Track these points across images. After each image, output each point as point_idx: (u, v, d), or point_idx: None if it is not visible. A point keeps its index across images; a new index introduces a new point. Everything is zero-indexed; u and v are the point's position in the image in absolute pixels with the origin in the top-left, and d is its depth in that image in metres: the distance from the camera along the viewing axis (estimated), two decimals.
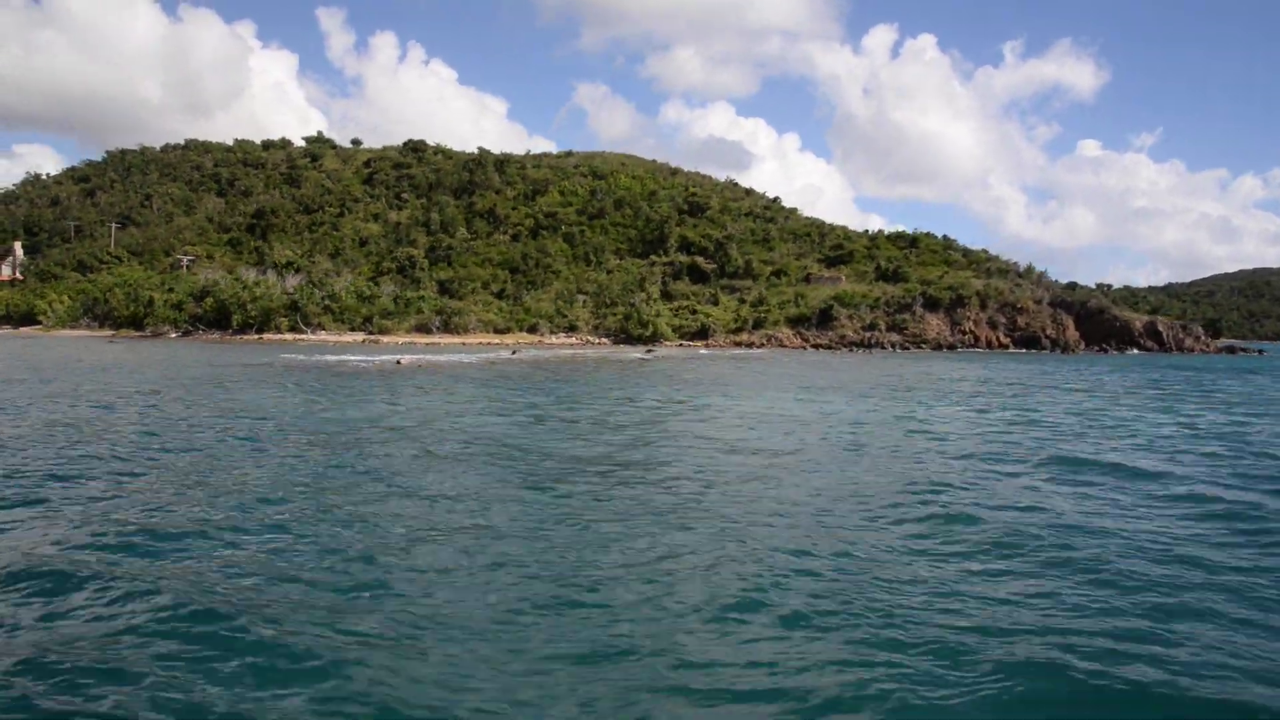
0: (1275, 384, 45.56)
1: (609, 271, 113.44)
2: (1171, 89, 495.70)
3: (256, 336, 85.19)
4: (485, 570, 8.99)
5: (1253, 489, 14.32)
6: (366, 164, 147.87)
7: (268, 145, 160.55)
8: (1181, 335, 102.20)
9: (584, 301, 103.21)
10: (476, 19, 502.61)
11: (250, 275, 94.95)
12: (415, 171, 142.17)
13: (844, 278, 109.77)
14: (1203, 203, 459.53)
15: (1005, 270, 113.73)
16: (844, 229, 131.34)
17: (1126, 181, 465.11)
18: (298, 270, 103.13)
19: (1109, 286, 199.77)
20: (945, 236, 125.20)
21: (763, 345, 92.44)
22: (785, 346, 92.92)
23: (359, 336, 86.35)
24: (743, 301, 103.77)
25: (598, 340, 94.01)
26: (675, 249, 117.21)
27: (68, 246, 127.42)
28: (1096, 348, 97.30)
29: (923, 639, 7.27)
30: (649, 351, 76.84)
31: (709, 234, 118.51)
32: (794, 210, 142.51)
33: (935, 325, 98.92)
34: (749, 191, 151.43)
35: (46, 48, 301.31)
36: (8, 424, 19.37)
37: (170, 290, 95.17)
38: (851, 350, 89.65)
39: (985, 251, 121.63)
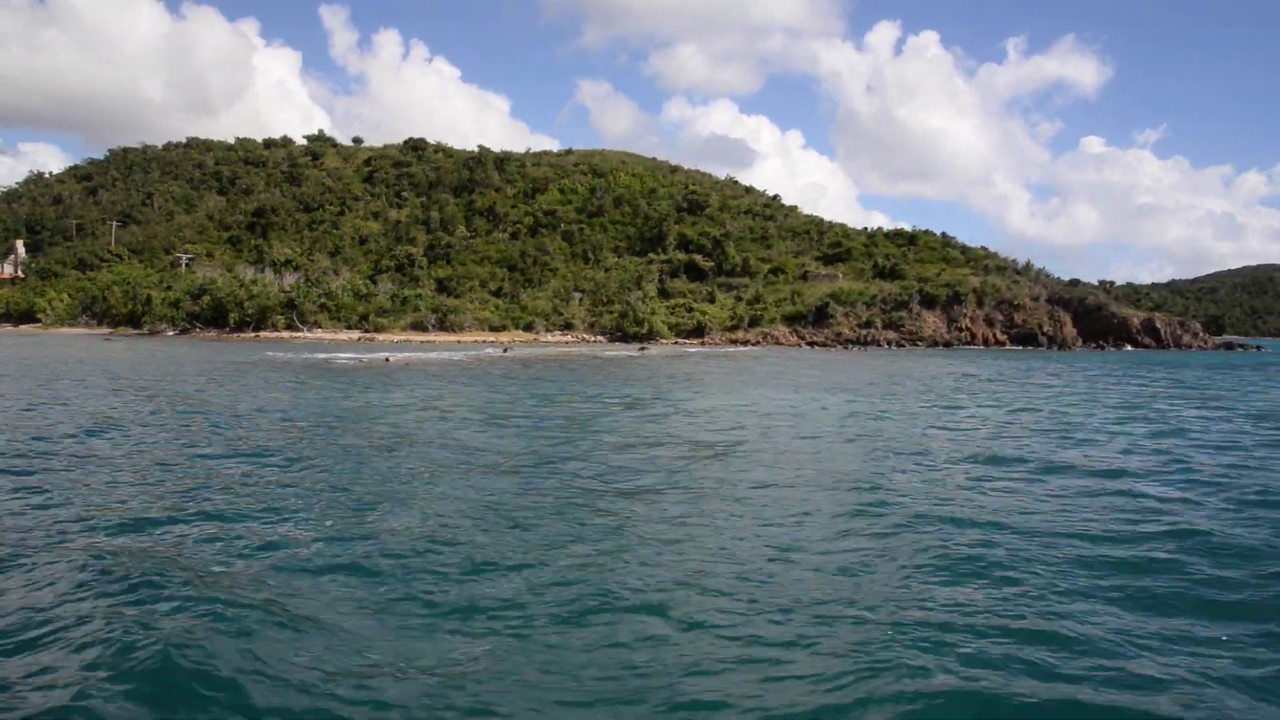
0: (1237, 379, 45.45)
1: (607, 270, 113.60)
2: (1175, 85, 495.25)
3: (253, 334, 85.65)
4: (369, 564, 9.14)
5: (1157, 481, 14.48)
6: (367, 162, 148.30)
7: (269, 144, 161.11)
8: (1179, 332, 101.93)
9: (580, 299, 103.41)
10: (479, 17, 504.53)
11: (248, 274, 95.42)
12: (415, 170, 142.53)
13: (841, 275, 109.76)
14: (1207, 199, 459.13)
15: (1003, 267, 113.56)
16: (842, 226, 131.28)
17: (1130, 178, 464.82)
18: (296, 268, 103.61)
19: (1111, 283, 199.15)
20: (944, 234, 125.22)
21: (758, 343, 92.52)
22: (781, 344, 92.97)
23: (354, 335, 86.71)
24: (739, 299, 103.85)
25: (593, 338, 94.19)
26: (674, 247, 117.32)
27: (69, 245, 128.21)
28: (1094, 345, 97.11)
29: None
30: (641, 349, 76.99)
31: (707, 232, 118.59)
32: (794, 208, 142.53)
33: (932, 322, 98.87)
34: (749, 189, 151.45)
35: (50, 47, 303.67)
36: None
37: (168, 288, 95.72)
38: (846, 348, 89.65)
39: (984, 249, 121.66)
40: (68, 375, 33.98)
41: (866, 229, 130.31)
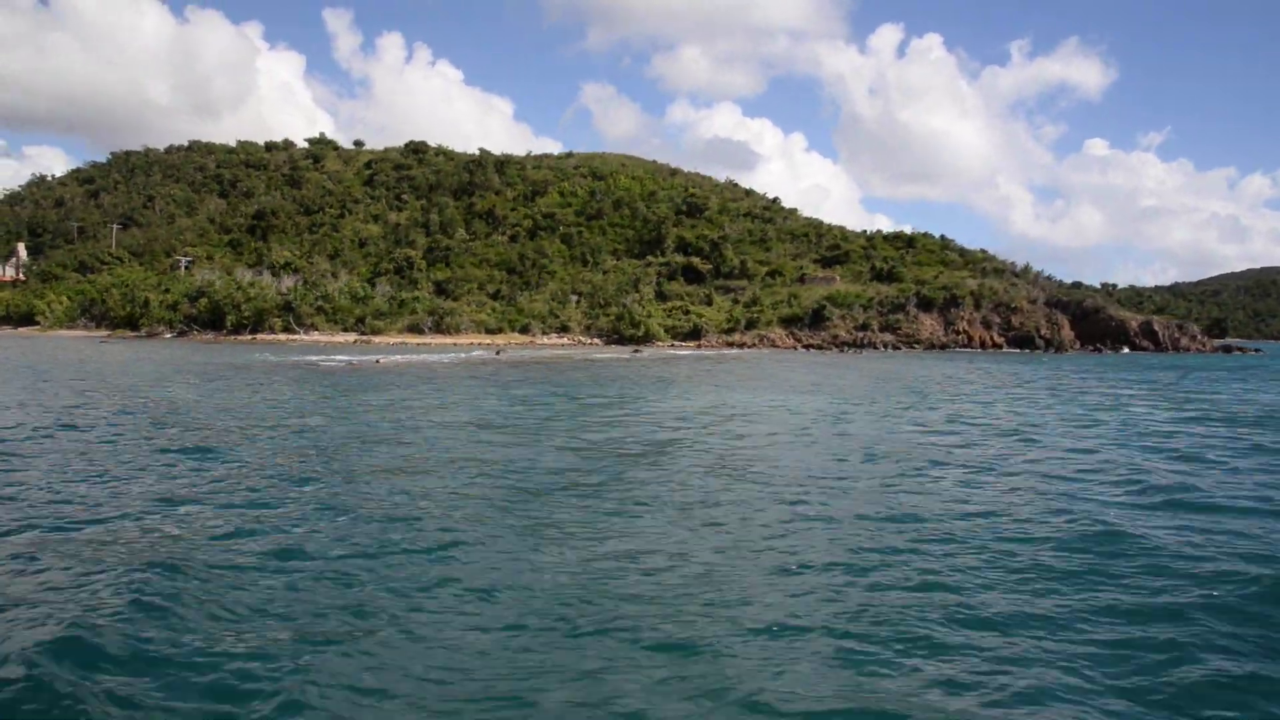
0: (1211, 383, 45.37)
1: (605, 272, 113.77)
2: (1179, 87, 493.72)
3: (250, 337, 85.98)
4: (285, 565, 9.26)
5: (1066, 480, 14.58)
6: (368, 165, 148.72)
7: (270, 146, 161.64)
8: (1177, 335, 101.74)
9: (577, 302, 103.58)
10: (483, 20, 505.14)
11: (245, 276, 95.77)
12: (416, 173, 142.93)
13: (838, 278, 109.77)
14: (1211, 202, 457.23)
15: (1001, 270, 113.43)
16: (841, 229, 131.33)
17: (1134, 181, 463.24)
18: (295, 271, 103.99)
19: (1114, 286, 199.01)
20: (943, 236, 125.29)
21: (754, 345, 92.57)
22: (778, 347, 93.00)
23: (351, 337, 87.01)
24: (736, 302, 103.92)
25: (589, 341, 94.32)
26: (672, 249, 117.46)
27: (70, 247, 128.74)
28: (1091, 347, 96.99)
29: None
30: (635, 352, 77.12)
31: (706, 235, 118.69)
32: (793, 210, 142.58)
33: (929, 325, 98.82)
34: (749, 192, 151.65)
35: (55, 50, 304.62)
36: None
37: (166, 291, 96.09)
38: (841, 350, 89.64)
39: (983, 251, 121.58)
40: (49, 377, 34.18)
41: (865, 232, 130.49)
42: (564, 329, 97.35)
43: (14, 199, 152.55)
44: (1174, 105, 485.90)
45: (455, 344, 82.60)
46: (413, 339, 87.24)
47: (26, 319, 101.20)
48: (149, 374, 37.39)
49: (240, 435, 18.77)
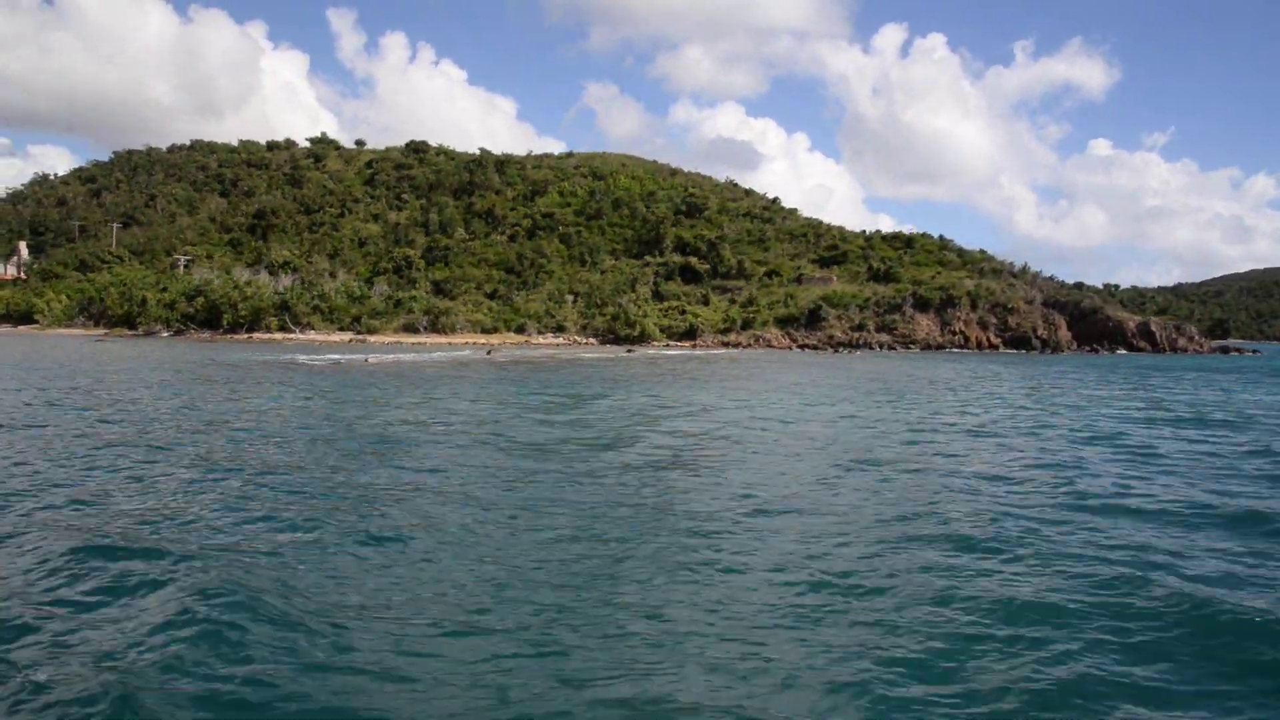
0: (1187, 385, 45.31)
1: (603, 272, 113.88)
2: (1183, 88, 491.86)
3: (246, 336, 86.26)
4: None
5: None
6: (369, 165, 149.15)
7: (272, 146, 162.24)
8: (1175, 336, 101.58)
9: (573, 302, 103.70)
10: (486, 19, 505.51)
11: (243, 275, 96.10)
12: (416, 172, 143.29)
13: (835, 278, 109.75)
14: (1215, 202, 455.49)
15: (999, 270, 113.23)
16: (840, 229, 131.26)
17: (1138, 181, 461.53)
18: (294, 270, 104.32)
19: (1116, 287, 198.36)
20: (941, 237, 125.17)
21: (749, 346, 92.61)
22: (773, 347, 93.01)
23: (346, 336, 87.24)
24: (733, 302, 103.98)
25: (585, 340, 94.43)
26: (670, 249, 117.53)
27: (71, 246, 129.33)
28: (1087, 348, 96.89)
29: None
30: (628, 351, 77.25)
31: (704, 234, 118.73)
32: (793, 211, 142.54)
33: (925, 326, 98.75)
34: (748, 192, 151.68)
35: (59, 49, 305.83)
36: None
37: (164, 290, 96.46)
38: (836, 351, 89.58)
39: (982, 251, 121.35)
40: (14, 376, 34.43)
41: (864, 232, 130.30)
42: (560, 329, 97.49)
43: (17, 198, 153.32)
44: (1178, 105, 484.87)
45: (450, 343, 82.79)
46: (408, 338, 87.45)
47: (26, 318, 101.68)
48: (122, 371, 37.59)
49: (191, 431, 18.92)
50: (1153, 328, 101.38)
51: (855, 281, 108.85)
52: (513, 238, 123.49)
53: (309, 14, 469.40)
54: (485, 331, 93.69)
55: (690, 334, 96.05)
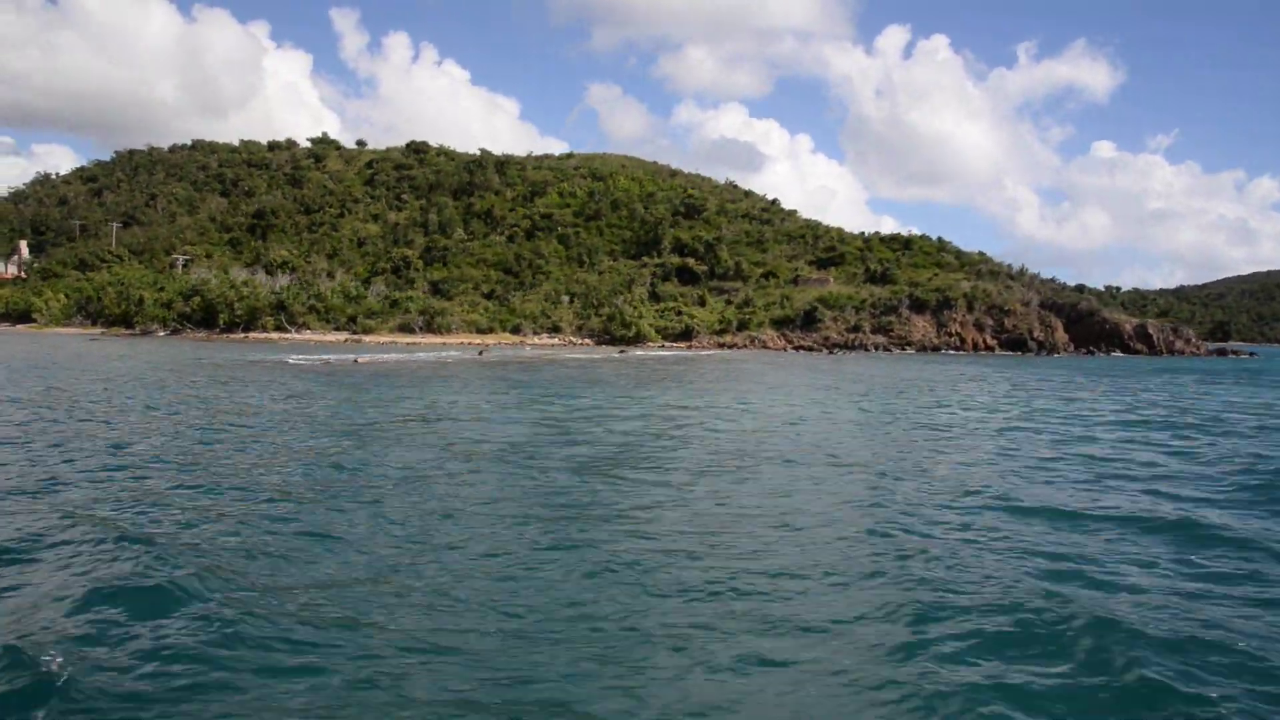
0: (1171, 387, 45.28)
1: (600, 273, 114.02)
2: (1187, 90, 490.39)
3: (242, 335, 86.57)
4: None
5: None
6: (369, 165, 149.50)
7: (273, 146, 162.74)
8: (1172, 338, 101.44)
9: (570, 302, 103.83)
10: (489, 20, 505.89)
11: (240, 275, 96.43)
12: (416, 173, 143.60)
13: (832, 279, 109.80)
14: (1219, 204, 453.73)
15: (996, 272, 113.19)
16: (839, 231, 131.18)
17: (1142, 183, 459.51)
18: (292, 270, 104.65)
19: (1117, 289, 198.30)
20: (939, 238, 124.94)
21: (745, 346, 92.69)
22: (769, 348, 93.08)
23: (342, 336, 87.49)
24: (729, 303, 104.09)
25: (580, 341, 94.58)
26: (668, 250, 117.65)
27: (71, 245, 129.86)
28: (1084, 350, 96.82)
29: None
30: (622, 352, 77.38)
31: (702, 236, 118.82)
32: (793, 212, 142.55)
33: (921, 327, 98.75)
34: (748, 193, 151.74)
35: (63, 49, 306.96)
36: None
37: (161, 289, 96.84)
38: (830, 352, 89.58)
39: (980, 253, 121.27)
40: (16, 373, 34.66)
41: (863, 233, 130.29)
42: (555, 329, 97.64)
43: (19, 197, 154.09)
44: (1182, 107, 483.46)
45: (444, 344, 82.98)
46: (403, 339, 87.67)
47: (25, 316, 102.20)
48: (103, 370, 37.79)
49: (153, 429, 19.08)
50: (1150, 330, 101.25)
51: (852, 283, 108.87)
52: (511, 238, 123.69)
53: (312, 14, 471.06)
54: (481, 332, 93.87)
55: (686, 335, 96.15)
